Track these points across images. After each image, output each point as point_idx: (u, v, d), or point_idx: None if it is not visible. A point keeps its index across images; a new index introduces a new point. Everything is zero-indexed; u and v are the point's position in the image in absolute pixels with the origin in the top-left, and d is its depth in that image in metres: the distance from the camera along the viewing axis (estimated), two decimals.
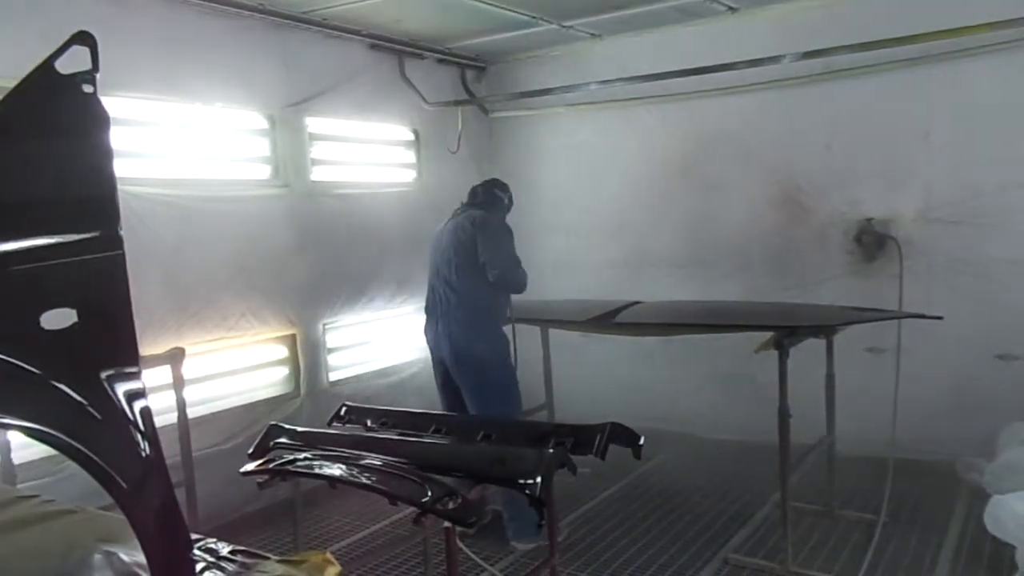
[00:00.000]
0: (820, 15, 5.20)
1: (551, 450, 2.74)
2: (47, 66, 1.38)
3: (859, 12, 5.05)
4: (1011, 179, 4.81)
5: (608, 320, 4.64)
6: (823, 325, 4.04)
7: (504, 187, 4.73)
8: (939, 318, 4.09)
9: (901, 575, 3.76)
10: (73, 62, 1.42)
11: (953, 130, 4.96)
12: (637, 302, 4.89)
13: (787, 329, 3.81)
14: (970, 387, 4.88)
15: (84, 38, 1.39)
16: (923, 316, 4.13)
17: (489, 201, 4.60)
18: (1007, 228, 4.84)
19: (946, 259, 5.01)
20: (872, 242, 5.24)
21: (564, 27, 5.68)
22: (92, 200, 1.44)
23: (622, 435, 2.93)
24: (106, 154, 1.47)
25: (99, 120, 1.44)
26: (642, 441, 2.91)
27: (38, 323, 1.36)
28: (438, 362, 4.51)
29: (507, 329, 4.52)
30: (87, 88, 1.42)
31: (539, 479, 2.55)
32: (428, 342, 4.57)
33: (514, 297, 4.52)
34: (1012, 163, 4.81)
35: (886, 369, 4.65)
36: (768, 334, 3.82)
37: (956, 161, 4.97)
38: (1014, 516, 3.47)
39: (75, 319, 1.40)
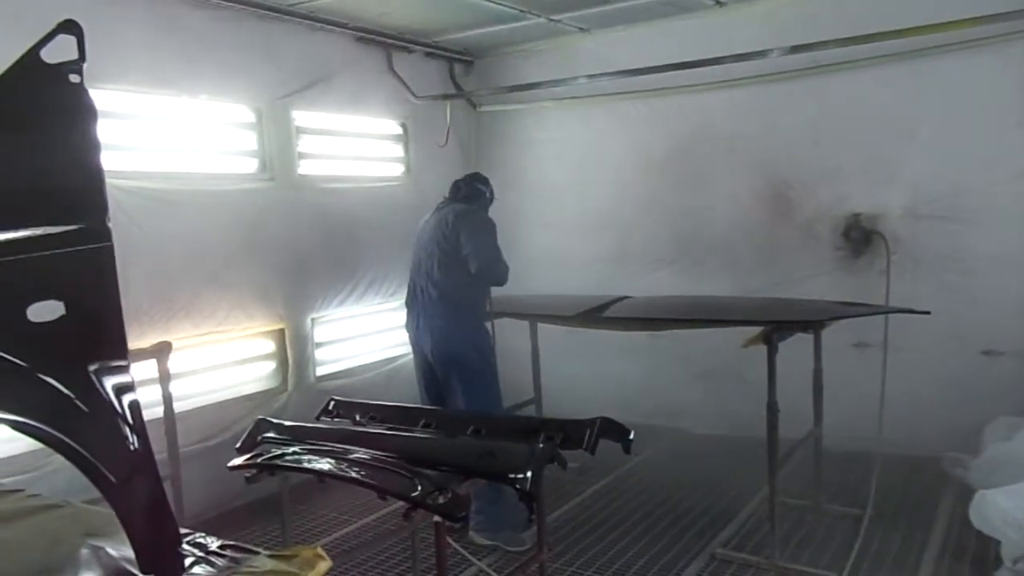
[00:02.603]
0: (807, 9, 5.21)
1: (541, 445, 2.74)
2: (33, 55, 1.36)
3: (847, 6, 5.06)
4: (997, 175, 4.83)
5: (596, 315, 4.64)
6: (811, 320, 4.05)
7: (485, 181, 4.71)
8: (926, 313, 4.11)
9: (887, 570, 3.78)
10: (59, 52, 1.40)
11: (940, 126, 4.97)
12: (625, 297, 4.90)
13: (775, 324, 3.81)
14: (956, 382, 4.91)
15: (70, 27, 1.37)
16: (910, 311, 4.15)
17: (472, 195, 4.58)
18: (993, 224, 4.87)
19: (933, 255, 5.04)
20: (859, 237, 5.26)
21: (552, 21, 5.67)
22: (79, 191, 1.42)
23: (612, 430, 2.93)
24: (93, 145, 1.45)
25: (86, 111, 1.42)
26: (632, 435, 2.91)
27: (24, 315, 1.34)
28: (420, 356, 4.50)
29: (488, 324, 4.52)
30: (74, 78, 1.40)
31: (529, 474, 2.55)
32: (409, 336, 4.56)
33: (499, 291, 4.52)
34: (998, 159, 4.83)
35: (873, 364, 4.68)
36: (756, 329, 3.82)
37: (943, 157, 4.99)
38: (999, 511, 3.49)
39: (62, 311, 1.39)
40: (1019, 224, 4.81)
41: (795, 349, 4.00)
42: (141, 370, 3.85)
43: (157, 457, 1.78)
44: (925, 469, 4.75)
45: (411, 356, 6.16)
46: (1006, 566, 3.43)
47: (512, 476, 2.59)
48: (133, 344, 4.00)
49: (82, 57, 1.39)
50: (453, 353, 4.32)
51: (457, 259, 4.29)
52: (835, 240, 5.38)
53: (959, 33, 4.59)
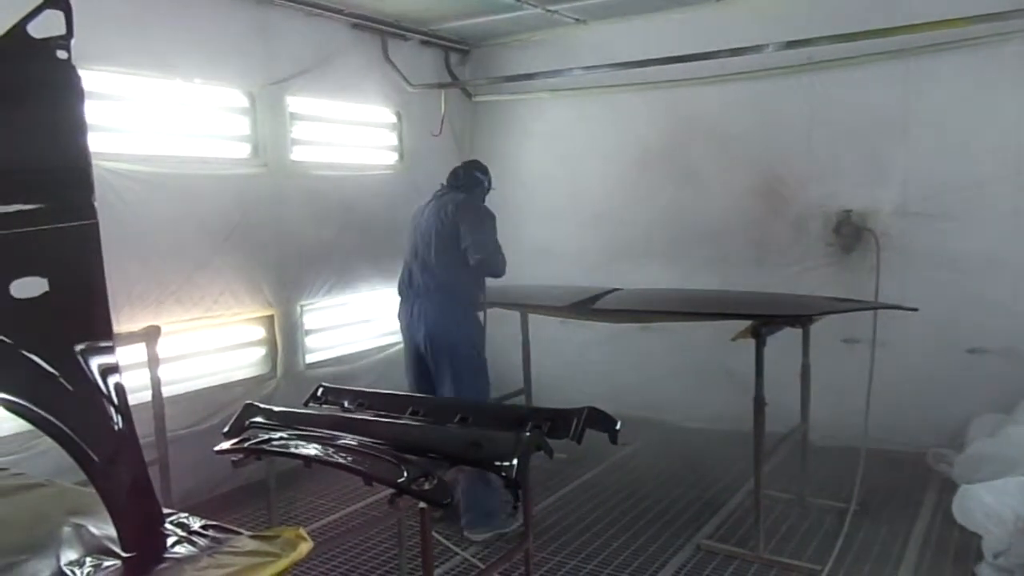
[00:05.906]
0: (804, 5, 5.21)
1: (528, 433, 2.75)
2: (19, 30, 1.35)
3: (842, 3, 5.06)
4: (986, 174, 4.86)
5: (587, 306, 4.64)
6: (799, 315, 4.06)
7: (485, 169, 4.69)
8: (914, 310, 4.13)
9: (870, 563, 3.80)
10: (47, 28, 1.39)
11: (932, 124, 5.00)
12: (616, 289, 4.91)
13: (764, 318, 3.83)
14: (942, 379, 4.95)
15: (58, 1, 1.36)
16: (899, 307, 4.18)
17: (470, 183, 4.56)
18: (981, 223, 4.90)
19: (922, 252, 5.06)
20: (850, 234, 5.28)
21: (549, 11, 5.65)
22: (65, 167, 1.41)
23: (599, 420, 2.94)
24: (80, 122, 1.44)
25: (73, 87, 1.42)
26: (619, 426, 2.92)
27: (7, 291, 1.34)
28: (411, 344, 4.47)
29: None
30: (61, 54, 1.39)
31: (515, 462, 2.55)
32: (401, 324, 4.54)
33: (492, 282, 4.51)
34: (988, 158, 4.86)
35: (861, 360, 4.69)
36: (746, 323, 3.84)
37: (934, 155, 5.02)
38: (981, 506, 3.53)
39: (46, 288, 1.38)
40: (1008, 223, 4.84)
41: (784, 344, 4.02)
42: (130, 354, 3.84)
43: (145, 440, 1.78)
44: (910, 464, 4.80)
45: (402, 345, 6.22)
46: (987, 560, 3.47)
47: (498, 464, 2.59)
48: (124, 327, 4.00)
49: (70, 33, 1.38)
50: (447, 344, 4.29)
51: (455, 250, 4.26)
52: (826, 236, 5.40)
53: (953, 32, 4.60)
